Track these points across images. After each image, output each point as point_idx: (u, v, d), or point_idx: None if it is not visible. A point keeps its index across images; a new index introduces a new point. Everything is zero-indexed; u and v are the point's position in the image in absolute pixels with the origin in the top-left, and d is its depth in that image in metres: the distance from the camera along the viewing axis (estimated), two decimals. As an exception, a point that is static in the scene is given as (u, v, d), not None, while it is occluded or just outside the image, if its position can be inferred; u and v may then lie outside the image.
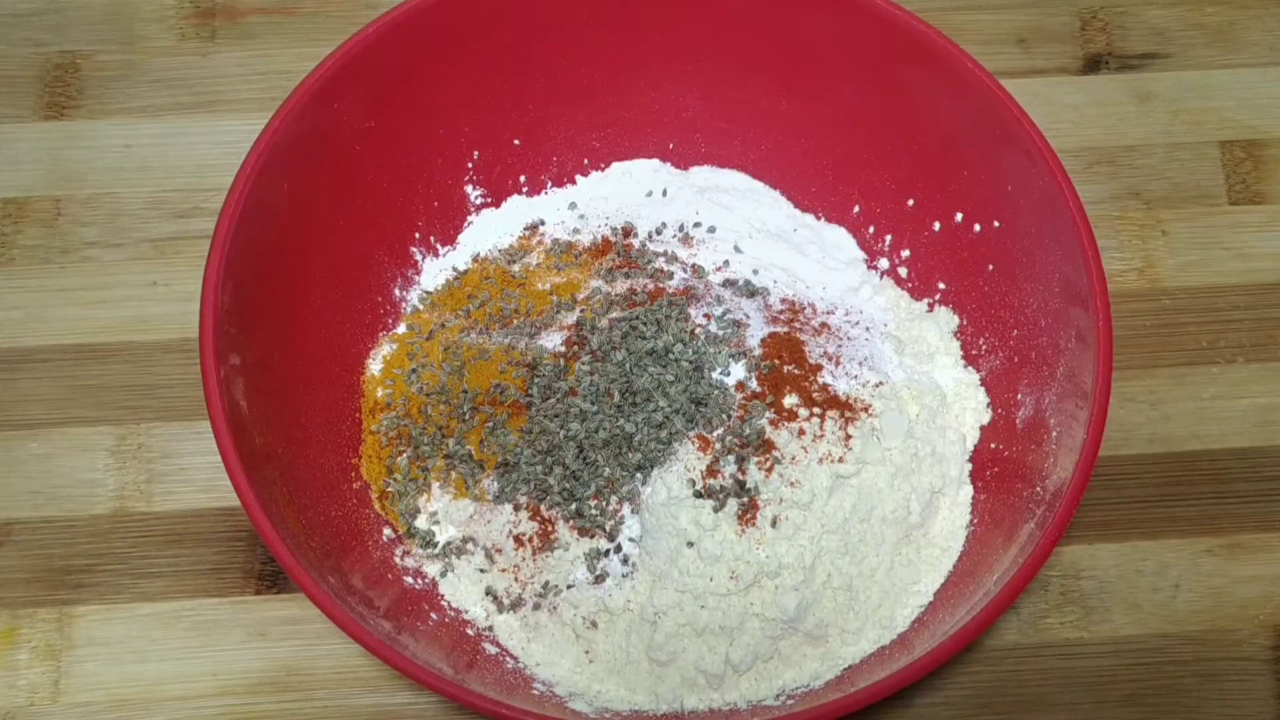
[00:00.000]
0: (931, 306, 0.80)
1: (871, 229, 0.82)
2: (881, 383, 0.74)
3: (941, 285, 0.79)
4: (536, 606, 0.71)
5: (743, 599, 0.68)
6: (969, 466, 0.75)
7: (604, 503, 0.71)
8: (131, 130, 0.87)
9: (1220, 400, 0.82)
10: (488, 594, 0.72)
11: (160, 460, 0.79)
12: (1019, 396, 0.74)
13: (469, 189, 0.81)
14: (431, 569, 0.73)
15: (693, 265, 0.80)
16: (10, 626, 0.76)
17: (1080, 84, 0.90)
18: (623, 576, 0.70)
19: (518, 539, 0.72)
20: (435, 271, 0.81)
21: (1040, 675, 0.76)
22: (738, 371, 0.74)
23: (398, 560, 0.72)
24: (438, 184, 0.80)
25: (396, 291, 0.80)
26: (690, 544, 0.69)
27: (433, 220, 0.81)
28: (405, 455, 0.75)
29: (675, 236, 0.82)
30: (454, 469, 0.74)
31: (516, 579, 0.72)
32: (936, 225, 0.78)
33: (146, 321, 0.82)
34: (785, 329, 0.76)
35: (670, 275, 0.79)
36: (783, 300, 0.78)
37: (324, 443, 0.73)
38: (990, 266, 0.76)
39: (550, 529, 0.71)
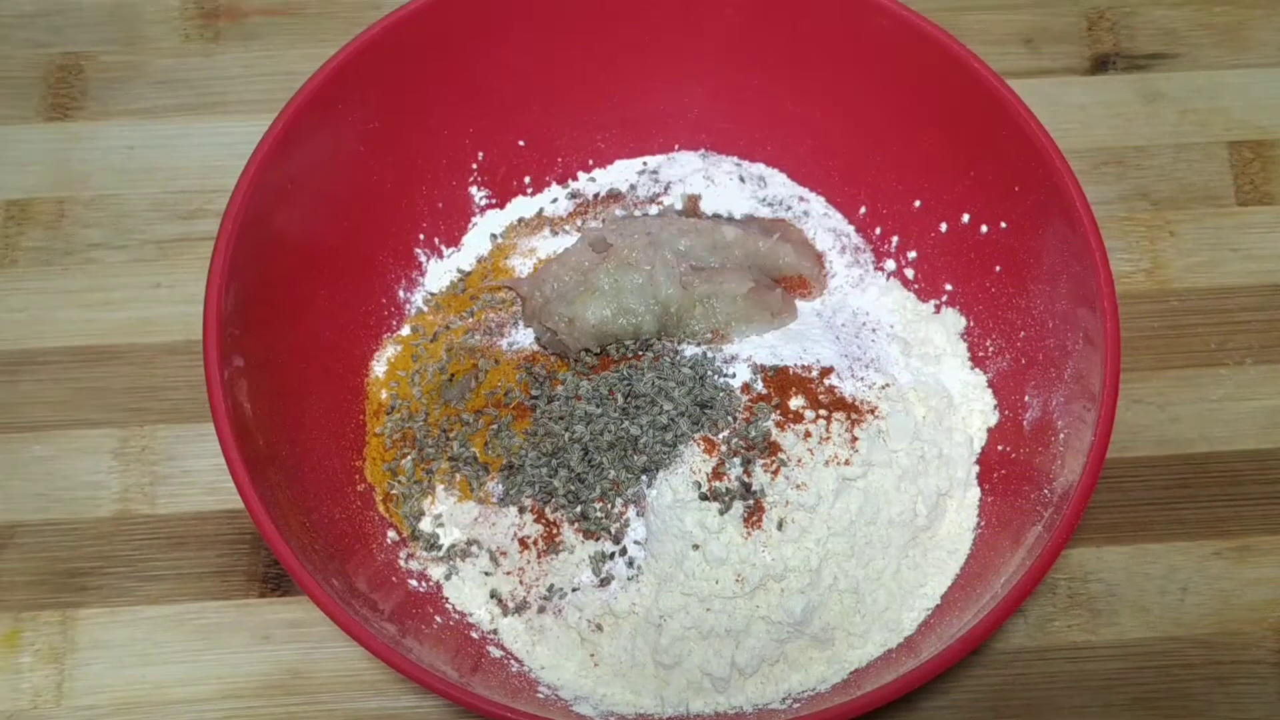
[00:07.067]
0: (938, 308, 0.79)
1: (878, 230, 0.81)
2: (888, 384, 0.74)
3: (948, 286, 0.79)
4: (541, 609, 0.71)
5: (748, 602, 0.68)
6: (976, 469, 0.75)
7: (609, 505, 0.71)
8: (135, 131, 0.87)
9: (1229, 402, 0.81)
10: (492, 597, 0.72)
11: (164, 462, 0.79)
12: (1026, 398, 0.73)
13: (473, 190, 0.81)
14: (436, 572, 0.72)
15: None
16: (13, 629, 0.75)
17: (1087, 84, 0.90)
18: (628, 579, 0.70)
19: (522, 542, 0.72)
20: (439, 273, 0.81)
21: (1047, 679, 0.75)
22: (743, 373, 0.73)
23: (402, 563, 0.72)
24: (442, 185, 0.80)
25: (400, 293, 0.79)
26: (696, 547, 0.68)
27: (437, 222, 0.80)
28: (409, 458, 0.74)
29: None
30: (459, 471, 0.73)
31: (521, 582, 0.71)
32: (943, 226, 0.78)
33: (150, 323, 0.82)
34: (791, 330, 0.75)
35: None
36: (788, 302, 0.78)
37: (328, 445, 0.73)
38: (997, 268, 0.76)
39: (555, 532, 0.71)
